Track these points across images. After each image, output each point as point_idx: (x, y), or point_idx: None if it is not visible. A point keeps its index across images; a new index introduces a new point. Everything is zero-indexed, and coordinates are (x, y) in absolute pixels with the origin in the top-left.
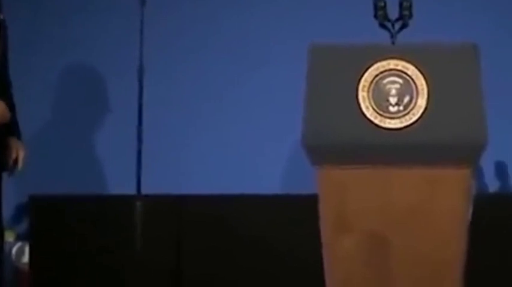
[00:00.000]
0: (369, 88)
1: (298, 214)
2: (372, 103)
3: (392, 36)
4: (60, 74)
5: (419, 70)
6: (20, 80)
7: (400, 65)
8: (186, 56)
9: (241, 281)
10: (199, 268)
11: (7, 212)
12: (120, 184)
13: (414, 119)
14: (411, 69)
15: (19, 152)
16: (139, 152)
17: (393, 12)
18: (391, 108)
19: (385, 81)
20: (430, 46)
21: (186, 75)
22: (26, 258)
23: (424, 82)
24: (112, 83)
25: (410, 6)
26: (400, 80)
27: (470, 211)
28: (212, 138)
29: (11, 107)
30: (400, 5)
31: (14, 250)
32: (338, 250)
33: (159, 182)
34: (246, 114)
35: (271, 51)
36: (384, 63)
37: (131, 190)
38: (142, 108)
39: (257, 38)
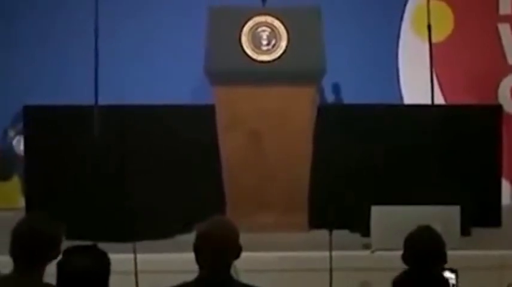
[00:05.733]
0: (248, 34)
1: (203, 118)
2: (251, 44)
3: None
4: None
5: (281, 23)
6: None
7: (269, 19)
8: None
9: (160, 167)
10: (139, 157)
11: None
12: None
13: (278, 54)
14: (276, 22)
15: None
16: (96, 72)
17: None
18: (263, 48)
19: (259, 29)
20: (289, 7)
21: (134, 16)
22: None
23: (284, 31)
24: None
25: None
26: (269, 29)
27: (315, 114)
28: (147, 66)
29: None
30: None
31: (14, 142)
32: (229, 143)
33: (111, 94)
34: (171, 49)
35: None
36: (258, 18)
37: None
38: (98, 43)
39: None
